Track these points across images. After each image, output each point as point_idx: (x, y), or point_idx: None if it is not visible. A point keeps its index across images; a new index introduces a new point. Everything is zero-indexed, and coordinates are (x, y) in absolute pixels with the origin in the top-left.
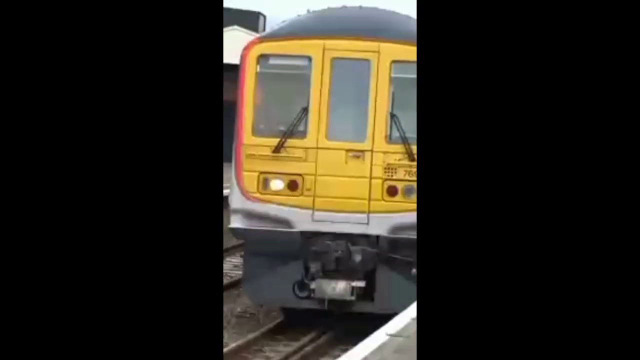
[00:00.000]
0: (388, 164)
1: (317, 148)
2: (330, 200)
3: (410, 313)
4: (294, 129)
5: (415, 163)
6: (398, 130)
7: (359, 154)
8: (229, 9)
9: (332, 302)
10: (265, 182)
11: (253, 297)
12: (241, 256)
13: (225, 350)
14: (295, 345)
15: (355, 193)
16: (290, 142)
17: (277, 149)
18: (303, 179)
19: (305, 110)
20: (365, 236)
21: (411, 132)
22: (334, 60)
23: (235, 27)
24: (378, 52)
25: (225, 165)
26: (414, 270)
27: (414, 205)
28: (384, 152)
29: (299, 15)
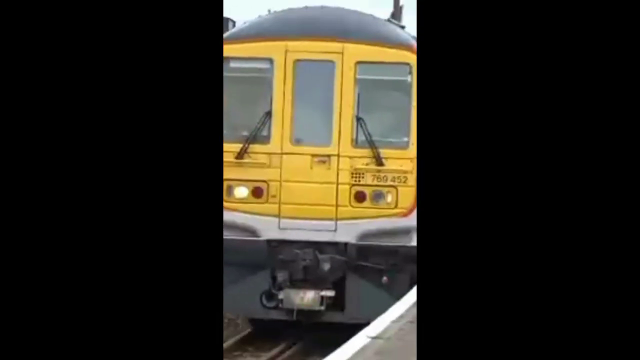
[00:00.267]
0: (355, 169)
1: (282, 153)
2: (296, 207)
3: (389, 316)
4: (257, 134)
5: (382, 167)
6: (364, 133)
7: (324, 159)
8: None
9: (301, 312)
10: (229, 190)
11: None
12: None
13: None
14: (264, 357)
15: (321, 199)
16: (254, 147)
17: (240, 155)
18: (268, 185)
19: (269, 114)
20: (334, 244)
21: (378, 135)
22: (297, 62)
23: None
24: (342, 53)
25: None
26: (385, 278)
27: (383, 211)
28: (351, 157)
29: (259, 16)
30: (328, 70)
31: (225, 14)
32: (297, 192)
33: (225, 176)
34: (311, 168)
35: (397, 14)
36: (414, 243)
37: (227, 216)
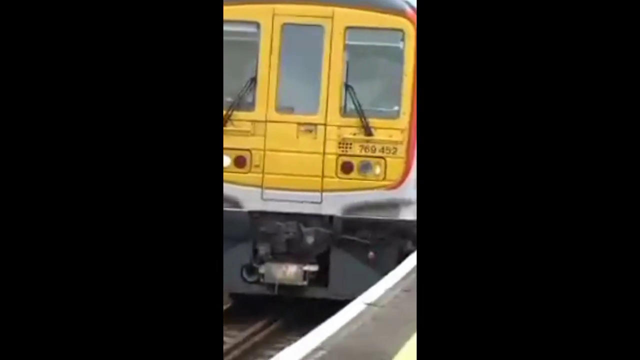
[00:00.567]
0: (343, 139)
1: (266, 121)
2: (280, 177)
3: (385, 284)
4: (241, 101)
5: (371, 137)
6: (353, 102)
7: (311, 128)
8: None
9: (283, 287)
10: None
11: None
12: None
13: None
14: (245, 333)
15: (307, 170)
16: (237, 114)
17: (224, 122)
18: (251, 154)
19: (254, 80)
20: (319, 216)
21: (367, 104)
22: (284, 26)
23: None
24: (332, 17)
25: None
26: (372, 254)
27: (371, 183)
28: (338, 126)
29: None
30: (317, 35)
31: None
32: (281, 162)
33: None
34: (297, 137)
35: None
36: (403, 217)
37: None
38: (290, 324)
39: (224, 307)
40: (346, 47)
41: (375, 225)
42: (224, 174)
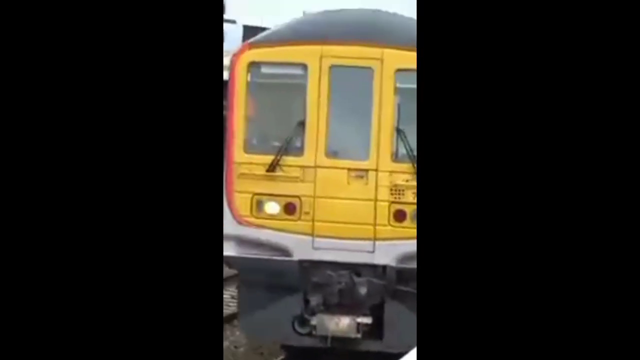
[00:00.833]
0: (395, 185)
1: (316, 167)
2: (331, 225)
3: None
4: (290, 145)
5: None
6: (405, 147)
7: (362, 174)
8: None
9: (336, 339)
10: (259, 205)
11: (249, 333)
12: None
13: None
14: None
15: (358, 217)
16: (286, 159)
17: (272, 167)
18: (301, 201)
19: (302, 124)
20: (371, 266)
21: None
22: (333, 68)
23: None
24: (381, 59)
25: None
26: None
27: None
28: (390, 172)
29: (293, 19)
30: (366, 78)
31: (260, 18)
32: (332, 209)
33: (255, 190)
34: (348, 183)
35: None
36: None
37: (255, 233)
38: None
39: (277, 359)
40: (397, 90)
41: None
42: (273, 221)
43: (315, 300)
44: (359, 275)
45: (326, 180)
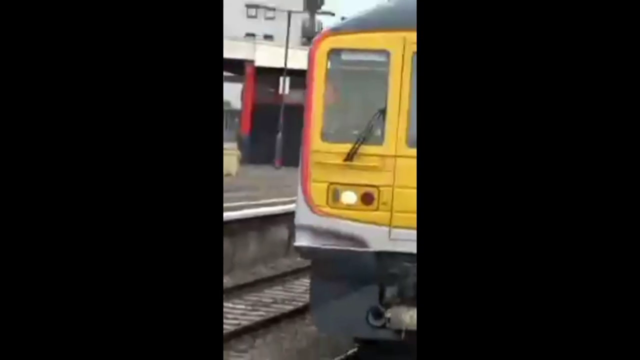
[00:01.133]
0: None
1: (396, 156)
2: (409, 216)
3: None
4: (370, 134)
5: None
6: None
7: None
8: None
9: (410, 333)
10: (336, 194)
11: (321, 326)
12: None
13: None
14: None
15: None
16: (365, 149)
17: (350, 156)
18: (379, 191)
19: (383, 112)
20: None
21: None
22: (416, 55)
23: None
24: None
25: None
26: None
27: None
28: None
29: (377, 5)
30: None
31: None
32: (411, 200)
33: (332, 179)
34: None
35: None
36: None
37: (330, 223)
38: None
39: (349, 352)
40: None
41: None
42: (350, 211)
43: (390, 292)
44: None
45: (406, 170)
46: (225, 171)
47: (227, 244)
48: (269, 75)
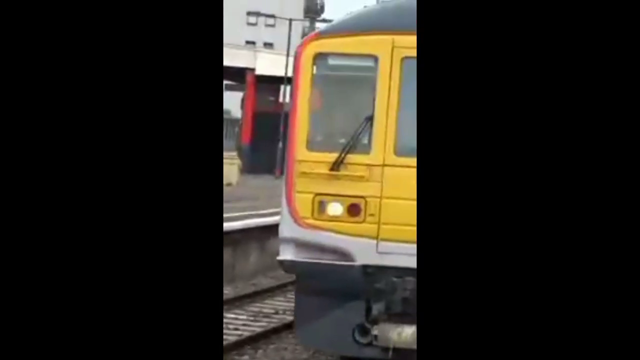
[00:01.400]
0: None
1: (383, 165)
2: (398, 228)
3: None
4: (356, 143)
5: None
6: None
7: None
8: None
9: (398, 351)
10: (321, 206)
11: (306, 342)
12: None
13: None
14: None
15: None
16: (351, 157)
17: (336, 166)
18: (366, 202)
19: (370, 120)
20: None
21: None
22: (405, 60)
23: None
24: None
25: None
26: None
27: None
28: None
29: (365, 7)
30: None
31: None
32: (399, 211)
33: (317, 190)
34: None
35: None
36: None
37: (315, 236)
38: None
39: None
40: None
41: None
42: (335, 223)
43: (377, 308)
44: None
45: (394, 180)
46: (225, 180)
47: (227, 254)
48: (270, 83)
